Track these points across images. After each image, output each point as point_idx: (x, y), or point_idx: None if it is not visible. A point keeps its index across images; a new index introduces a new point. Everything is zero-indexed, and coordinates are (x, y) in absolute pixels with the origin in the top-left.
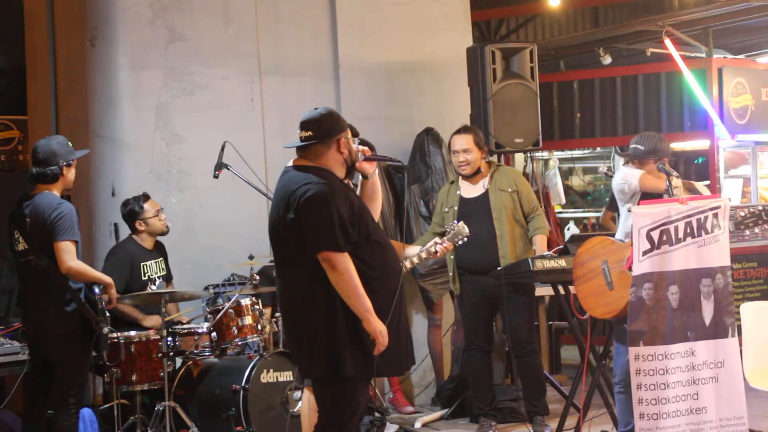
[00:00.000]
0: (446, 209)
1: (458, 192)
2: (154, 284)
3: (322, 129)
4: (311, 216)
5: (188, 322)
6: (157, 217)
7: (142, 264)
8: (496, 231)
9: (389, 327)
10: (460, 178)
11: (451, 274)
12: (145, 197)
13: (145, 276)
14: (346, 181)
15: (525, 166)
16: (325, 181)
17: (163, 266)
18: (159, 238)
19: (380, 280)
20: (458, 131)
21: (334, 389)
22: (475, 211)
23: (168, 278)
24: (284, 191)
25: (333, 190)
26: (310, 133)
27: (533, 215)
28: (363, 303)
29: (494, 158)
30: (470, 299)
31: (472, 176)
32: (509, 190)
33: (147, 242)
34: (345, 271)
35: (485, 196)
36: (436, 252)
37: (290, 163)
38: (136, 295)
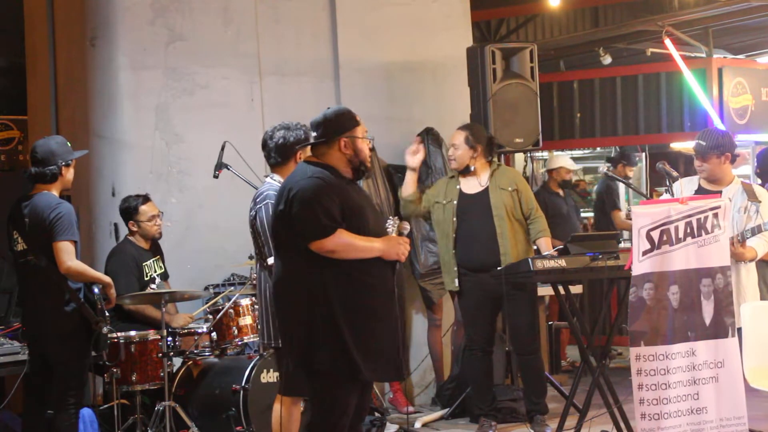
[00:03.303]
0: (444, 201)
1: (458, 186)
2: (154, 283)
3: (325, 129)
4: (298, 210)
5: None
6: (151, 222)
7: (143, 264)
8: (496, 229)
9: (383, 332)
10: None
11: (455, 269)
12: (145, 199)
13: (147, 276)
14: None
15: (525, 166)
16: (321, 176)
17: (161, 264)
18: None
19: (375, 287)
20: (460, 126)
21: (322, 386)
22: (475, 207)
23: (165, 276)
24: (283, 184)
25: (324, 183)
26: (315, 133)
27: (533, 217)
28: (371, 250)
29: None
30: (472, 298)
31: (465, 174)
32: (510, 189)
33: (143, 242)
34: (341, 247)
35: (485, 193)
36: None
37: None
38: (137, 295)
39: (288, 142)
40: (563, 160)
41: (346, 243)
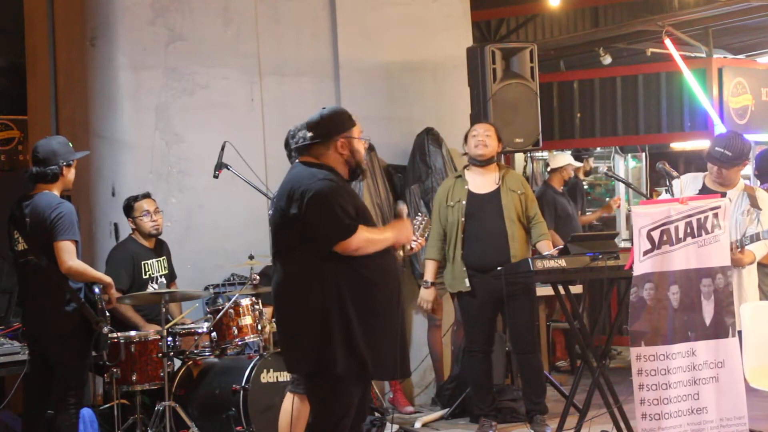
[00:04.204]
0: (452, 203)
1: (466, 187)
2: (155, 283)
3: (321, 129)
4: (317, 214)
5: (190, 323)
6: (145, 217)
7: (142, 263)
8: (507, 230)
9: (388, 331)
10: (467, 173)
11: (464, 269)
12: (144, 196)
13: (145, 275)
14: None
15: (525, 166)
16: (330, 177)
17: (165, 265)
18: (161, 237)
19: (378, 285)
20: (479, 121)
21: (323, 387)
22: (486, 207)
23: (171, 277)
24: (288, 185)
25: (337, 184)
26: (311, 133)
27: (536, 221)
28: (386, 240)
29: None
30: (477, 299)
31: (483, 167)
32: (518, 192)
33: (145, 241)
34: (363, 243)
35: (496, 194)
36: (412, 248)
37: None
38: (137, 295)
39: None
40: (569, 157)
41: (367, 239)
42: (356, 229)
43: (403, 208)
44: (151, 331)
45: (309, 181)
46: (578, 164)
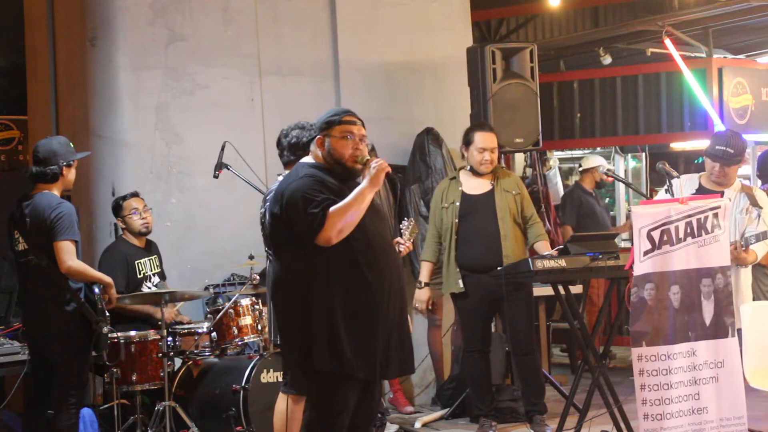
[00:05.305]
0: (446, 205)
1: (460, 188)
2: (149, 281)
3: (315, 128)
4: (292, 212)
5: (189, 322)
6: (135, 215)
7: (136, 262)
8: (500, 231)
9: (377, 330)
10: (462, 174)
11: (457, 270)
12: (132, 195)
13: (140, 274)
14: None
15: (525, 167)
16: (312, 174)
17: (158, 264)
18: (151, 237)
19: (372, 283)
20: (482, 128)
21: (315, 384)
22: (479, 208)
23: (162, 276)
24: (280, 185)
25: (313, 180)
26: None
27: (533, 222)
28: (362, 200)
29: None
30: (472, 299)
31: (480, 175)
32: (513, 192)
33: (136, 240)
34: (339, 225)
35: (490, 194)
36: (400, 252)
37: None
38: (137, 295)
39: (301, 142)
40: (601, 159)
41: (341, 219)
42: (324, 216)
43: (416, 227)
44: (151, 331)
45: (290, 180)
46: (609, 166)
